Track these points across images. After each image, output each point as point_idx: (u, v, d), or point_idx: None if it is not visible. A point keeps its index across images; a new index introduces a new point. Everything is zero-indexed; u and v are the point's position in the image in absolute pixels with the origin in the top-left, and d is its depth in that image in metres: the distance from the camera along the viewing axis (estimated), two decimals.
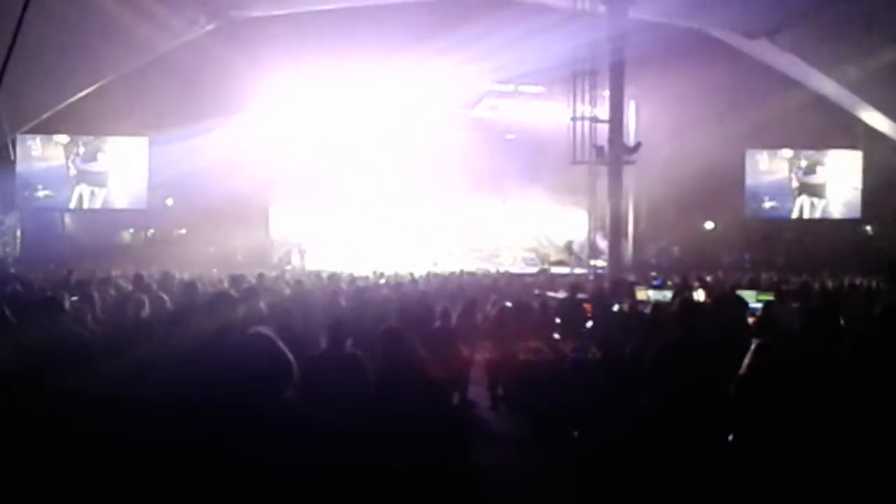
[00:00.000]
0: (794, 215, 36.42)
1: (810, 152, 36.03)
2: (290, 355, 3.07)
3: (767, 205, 36.39)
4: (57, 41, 22.73)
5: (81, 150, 32.95)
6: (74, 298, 7.90)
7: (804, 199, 36.36)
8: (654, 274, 24.22)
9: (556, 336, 10.80)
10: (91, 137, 32.72)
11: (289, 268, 28.08)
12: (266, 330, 3.21)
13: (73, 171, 33.00)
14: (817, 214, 36.33)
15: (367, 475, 3.78)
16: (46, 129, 30.74)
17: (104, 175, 33.20)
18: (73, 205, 33.21)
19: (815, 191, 36.29)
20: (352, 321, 6.91)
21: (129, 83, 28.01)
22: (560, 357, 9.18)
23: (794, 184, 36.36)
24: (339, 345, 5.96)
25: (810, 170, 36.23)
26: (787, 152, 36.19)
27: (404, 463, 4.10)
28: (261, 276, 15.71)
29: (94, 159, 33.07)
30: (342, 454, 3.29)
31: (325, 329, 6.39)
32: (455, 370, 8.39)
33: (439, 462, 4.20)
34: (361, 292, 12.55)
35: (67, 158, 32.92)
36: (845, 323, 6.94)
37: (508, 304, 12.38)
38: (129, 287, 11.55)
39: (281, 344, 3.09)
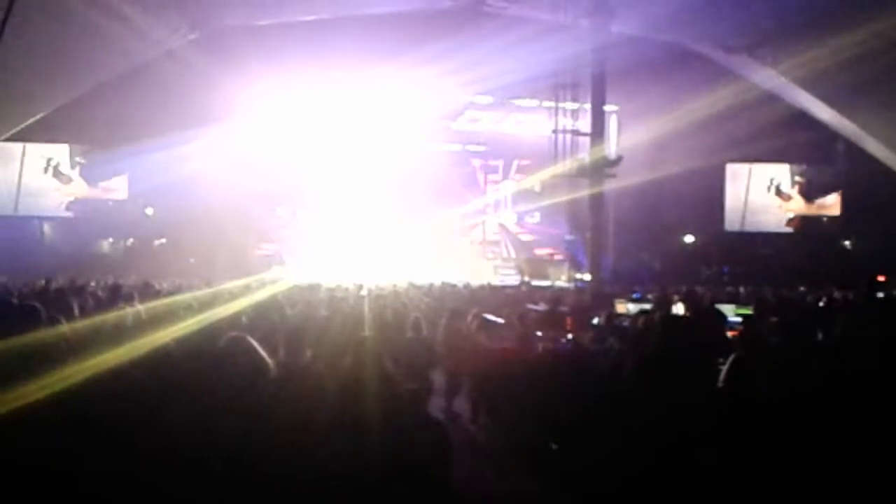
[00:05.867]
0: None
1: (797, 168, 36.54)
2: (265, 355, 3.10)
3: (747, 219, 36.67)
4: (38, 50, 22.61)
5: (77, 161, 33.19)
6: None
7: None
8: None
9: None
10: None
11: (269, 278, 27.95)
12: (243, 333, 3.27)
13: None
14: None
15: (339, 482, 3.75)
16: (27, 137, 30.60)
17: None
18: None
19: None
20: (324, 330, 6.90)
21: (110, 92, 27.83)
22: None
23: (780, 207, 36.77)
24: (296, 355, 5.92)
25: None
26: (771, 168, 36.53)
27: (378, 473, 4.08)
28: (247, 287, 15.72)
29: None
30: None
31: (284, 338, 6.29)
32: (426, 380, 8.42)
33: (415, 472, 4.18)
34: (339, 303, 12.53)
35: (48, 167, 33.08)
36: (822, 337, 7.01)
37: (492, 317, 12.31)
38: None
39: (256, 344, 3.14)
